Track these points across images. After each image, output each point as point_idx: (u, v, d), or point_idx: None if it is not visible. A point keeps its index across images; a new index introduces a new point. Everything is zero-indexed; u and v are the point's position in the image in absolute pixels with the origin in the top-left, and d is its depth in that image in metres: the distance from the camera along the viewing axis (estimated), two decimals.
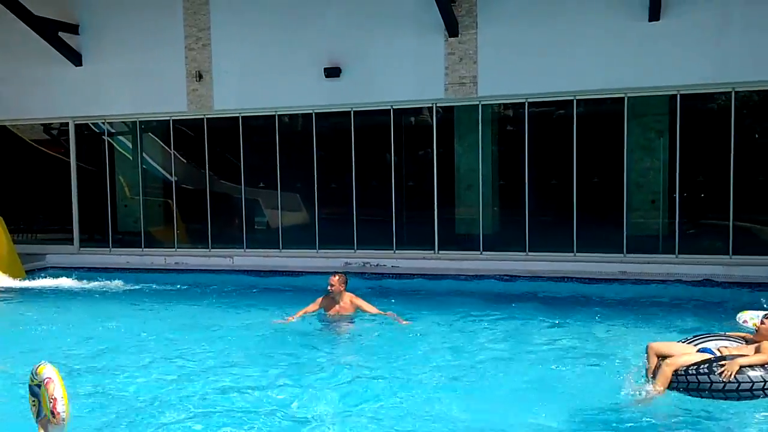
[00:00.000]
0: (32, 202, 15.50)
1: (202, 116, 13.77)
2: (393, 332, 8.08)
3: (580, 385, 6.16)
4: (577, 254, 11.70)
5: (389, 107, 12.70)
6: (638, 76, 11.20)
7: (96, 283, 12.08)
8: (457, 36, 12.04)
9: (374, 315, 8.56)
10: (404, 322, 8.34)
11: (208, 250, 13.90)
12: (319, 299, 8.69)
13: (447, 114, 12.68)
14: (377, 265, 12.53)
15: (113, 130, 14.72)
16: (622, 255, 11.48)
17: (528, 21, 11.70)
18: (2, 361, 7.29)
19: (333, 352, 7.56)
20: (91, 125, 14.75)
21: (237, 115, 13.56)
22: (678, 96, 11.21)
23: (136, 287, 11.71)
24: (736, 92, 10.93)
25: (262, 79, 13.23)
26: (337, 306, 8.54)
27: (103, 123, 14.58)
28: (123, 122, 14.65)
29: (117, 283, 12.00)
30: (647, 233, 11.79)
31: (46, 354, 6.89)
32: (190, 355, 7.44)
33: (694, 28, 10.89)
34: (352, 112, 12.91)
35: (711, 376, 5.47)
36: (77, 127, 14.73)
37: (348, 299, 8.56)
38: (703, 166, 11.40)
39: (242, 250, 13.69)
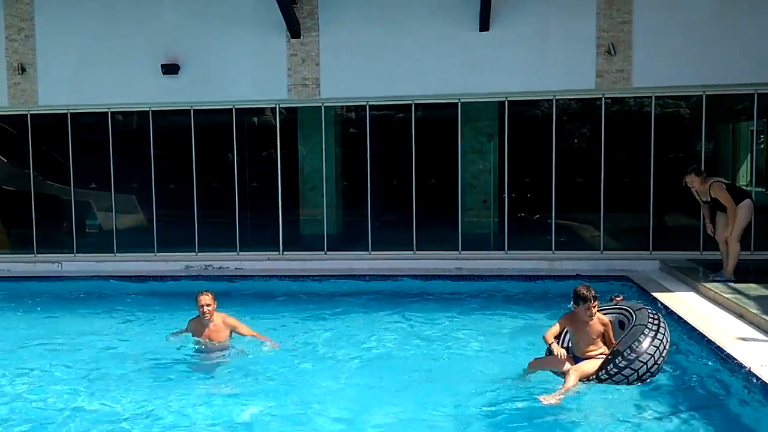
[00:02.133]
0: None
1: (26, 112, 12.80)
2: (270, 354, 7.24)
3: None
4: (417, 252, 12.19)
5: (231, 106, 12.51)
6: (470, 82, 11.85)
7: None
8: (300, 37, 12.10)
9: (248, 337, 7.42)
10: (275, 345, 7.39)
11: (33, 255, 12.95)
12: (189, 322, 7.42)
13: (290, 115, 12.71)
14: (220, 267, 12.30)
15: None
16: (457, 252, 12.11)
17: (368, 26, 12.00)
18: None
19: (205, 383, 6.62)
20: None
21: (65, 111, 12.74)
22: (506, 102, 11.99)
23: None
24: (556, 100, 11.89)
25: (93, 74, 12.53)
26: (207, 329, 7.22)
27: None
28: None
29: None
30: (480, 231, 12.51)
31: None
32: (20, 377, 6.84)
33: (520, 39, 11.71)
34: (192, 111, 12.57)
35: (631, 366, 5.71)
36: None
37: (221, 320, 7.27)
38: (529, 169, 12.29)
39: (72, 254, 12.89)
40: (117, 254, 12.82)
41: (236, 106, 12.51)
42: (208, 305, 7.13)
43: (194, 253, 12.65)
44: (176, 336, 7.58)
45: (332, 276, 11.30)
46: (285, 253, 12.56)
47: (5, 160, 13.28)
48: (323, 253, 12.46)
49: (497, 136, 12.26)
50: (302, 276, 11.41)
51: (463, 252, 12.11)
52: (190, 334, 7.40)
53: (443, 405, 5.79)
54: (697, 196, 9.30)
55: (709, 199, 9.09)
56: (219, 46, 12.30)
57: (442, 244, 12.21)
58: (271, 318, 9.00)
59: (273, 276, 11.54)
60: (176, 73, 12.32)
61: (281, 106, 12.53)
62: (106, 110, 12.70)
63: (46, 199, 13.09)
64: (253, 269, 12.04)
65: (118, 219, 12.98)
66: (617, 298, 8.20)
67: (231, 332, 7.31)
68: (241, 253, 12.59)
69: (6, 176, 13.33)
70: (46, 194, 13.09)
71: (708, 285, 8.86)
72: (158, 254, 12.73)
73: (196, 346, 7.29)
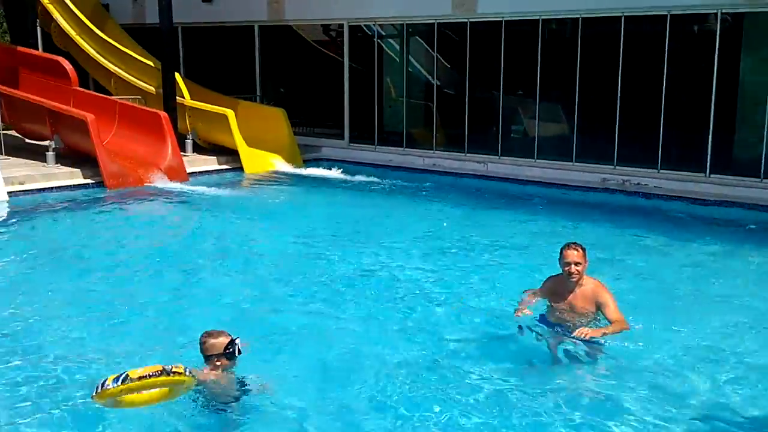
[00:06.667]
0: (310, 99, 16.89)
1: (466, 20, 13.70)
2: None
3: None
4: None
5: (666, 12, 11.55)
6: None
7: (361, 177, 13.21)
8: None
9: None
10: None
11: (463, 154, 14.15)
12: (545, 283, 5.81)
13: (735, 22, 11.24)
14: (638, 183, 11.85)
15: (383, 33, 15.27)
16: None
17: None
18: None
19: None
20: (363, 27, 15.44)
21: (500, 19, 13.27)
22: None
23: (402, 184, 12.76)
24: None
25: None
26: (572, 294, 5.53)
27: (374, 25, 15.17)
28: (392, 25, 15.12)
29: (381, 179, 13.07)
30: None
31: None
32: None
33: None
34: (622, 18, 11.97)
35: None
36: (351, 29, 15.48)
37: (590, 286, 5.52)
38: None
39: (497, 157, 13.72)
40: (537, 160, 13.26)
41: (672, 12, 11.52)
42: (577, 264, 5.41)
43: (612, 167, 12.39)
44: (530, 303, 5.78)
45: None
46: (712, 176, 11.50)
47: (447, 66, 14.56)
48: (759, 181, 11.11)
49: None
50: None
51: None
52: (544, 299, 5.79)
53: None
54: None
55: None
56: None
57: None
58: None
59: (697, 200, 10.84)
60: None
61: (723, 11, 11.13)
62: (537, 18, 12.87)
63: (479, 102, 14.05)
64: (674, 189, 11.38)
65: (541, 126, 13.33)
66: None
67: (597, 305, 5.48)
68: (661, 171, 11.93)
69: (447, 80, 14.64)
70: (479, 98, 14.04)
71: None
72: (576, 164, 12.80)
73: (550, 315, 5.69)
